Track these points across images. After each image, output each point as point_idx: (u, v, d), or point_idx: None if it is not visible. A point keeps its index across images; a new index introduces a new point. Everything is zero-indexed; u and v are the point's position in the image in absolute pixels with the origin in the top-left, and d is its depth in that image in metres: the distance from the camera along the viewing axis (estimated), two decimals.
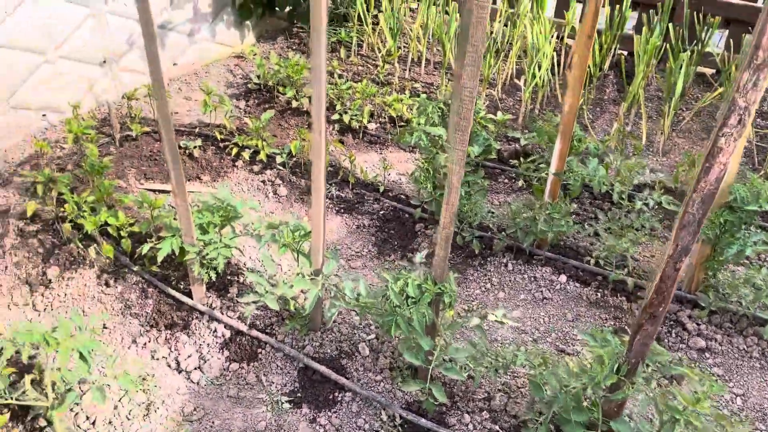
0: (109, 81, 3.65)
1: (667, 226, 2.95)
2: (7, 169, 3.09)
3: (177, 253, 2.27)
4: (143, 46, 3.81)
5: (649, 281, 1.74)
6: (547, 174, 2.95)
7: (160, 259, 2.24)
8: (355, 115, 3.61)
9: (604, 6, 4.06)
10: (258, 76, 3.95)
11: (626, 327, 2.44)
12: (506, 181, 3.35)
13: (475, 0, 1.44)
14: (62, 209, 2.67)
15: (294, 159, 3.31)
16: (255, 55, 4.36)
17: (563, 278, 2.66)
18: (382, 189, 3.18)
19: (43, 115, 3.38)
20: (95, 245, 2.57)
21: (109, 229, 2.56)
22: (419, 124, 3.38)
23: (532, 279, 2.68)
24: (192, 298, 2.44)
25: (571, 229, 2.56)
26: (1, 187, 2.97)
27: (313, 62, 1.74)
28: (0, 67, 3.08)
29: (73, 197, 2.58)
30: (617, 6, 3.91)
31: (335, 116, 3.65)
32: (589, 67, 3.56)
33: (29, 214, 2.56)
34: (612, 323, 2.49)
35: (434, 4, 4.20)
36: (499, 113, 3.45)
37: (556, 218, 2.54)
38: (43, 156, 3.14)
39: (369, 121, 3.70)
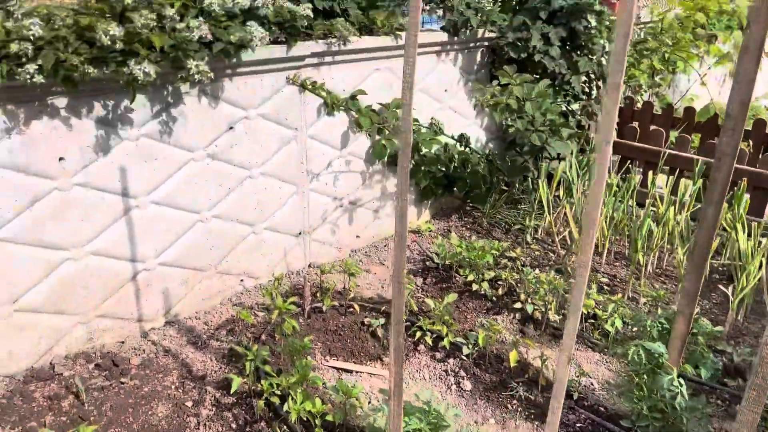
0: (301, 251, 3.86)
1: None
2: (206, 332, 3.24)
3: None
4: (333, 220, 4.04)
5: None
6: None
7: None
8: (538, 306, 3.47)
9: None
10: (437, 254, 3.99)
11: None
12: (718, 402, 2.96)
13: None
14: (257, 384, 2.68)
15: (478, 349, 3.18)
16: (431, 231, 4.48)
17: None
18: (576, 396, 2.92)
19: (241, 281, 3.59)
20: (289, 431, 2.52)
21: (301, 413, 2.51)
22: (618, 327, 3.15)
23: None
24: None
25: None
26: (200, 350, 3.09)
27: (573, 301, 1.66)
28: (216, 237, 3.36)
29: (273, 378, 2.59)
30: None
31: (517, 305, 3.53)
32: None
33: (233, 389, 2.59)
34: None
35: (614, 196, 4.14)
36: (707, 322, 3.14)
37: None
38: (238, 321, 3.27)
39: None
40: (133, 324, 3.14)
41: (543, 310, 3.46)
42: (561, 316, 3.57)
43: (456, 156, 4.27)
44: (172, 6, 2.82)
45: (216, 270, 3.43)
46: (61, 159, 2.70)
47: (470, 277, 3.70)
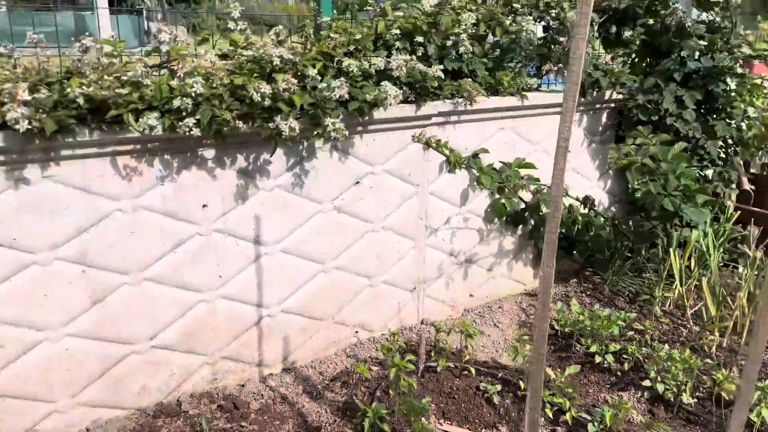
0: (414, 306, 3.83)
1: None
2: (320, 382, 3.25)
3: None
4: (447, 277, 3.99)
5: None
6: None
7: None
8: (670, 386, 3.19)
9: None
10: (556, 321, 3.81)
11: None
12: None
13: None
14: None
15: (603, 426, 2.95)
16: None
17: None
18: None
19: (356, 332, 3.60)
20: None
21: None
22: (765, 417, 2.83)
23: None
24: None
25: None
26: (315, 401, 3.10)
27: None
28: (336, 287, 3.41)
29: None
30: None
31: (645, 382, 3.27)
32: None
33: None
34: None
35: (756, 271, 3.80)
36: None
37: None
38: (353, 374, 3.26)
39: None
40: (253, 368, 3.22)
41: (675, 391, 3.18)
42: (695, 400, 3.27)
43: (579, 218, 4.13)
44: (314, 66, 2.98)
45: (333, 320, 3.47)
46: (204, 206, 2.88)
47: (593, 348, 3.49)
